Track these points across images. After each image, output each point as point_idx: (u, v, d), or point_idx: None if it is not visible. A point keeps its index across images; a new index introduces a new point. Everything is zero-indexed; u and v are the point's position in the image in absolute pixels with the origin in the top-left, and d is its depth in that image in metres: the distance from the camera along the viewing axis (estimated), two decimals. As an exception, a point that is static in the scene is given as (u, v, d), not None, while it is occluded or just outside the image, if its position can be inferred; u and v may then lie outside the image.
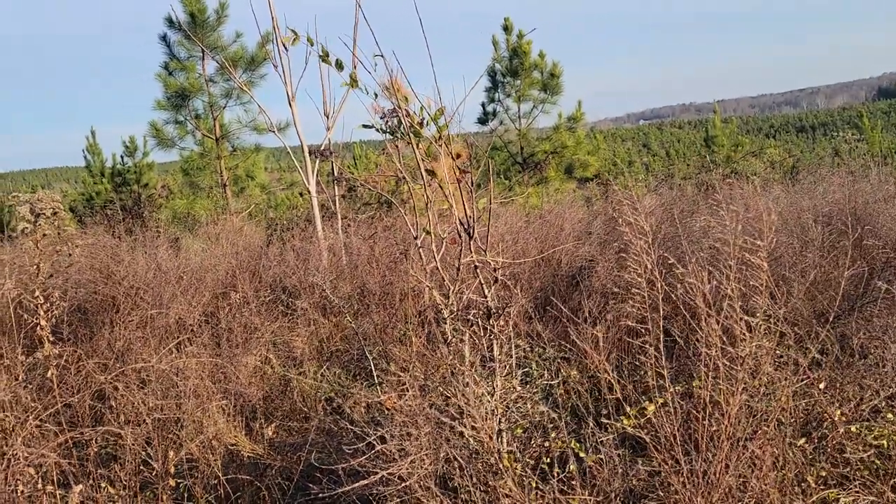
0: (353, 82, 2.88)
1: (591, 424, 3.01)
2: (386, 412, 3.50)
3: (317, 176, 8.30)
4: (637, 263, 2.31)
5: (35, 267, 2.96)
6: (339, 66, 2.82)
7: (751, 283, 2.31)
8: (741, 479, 2.16)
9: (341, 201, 9.56)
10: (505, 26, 14.58)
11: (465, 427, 2.95)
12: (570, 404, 3.63)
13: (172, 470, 3.19)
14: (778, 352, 2.62)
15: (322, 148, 7.65)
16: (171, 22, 11.22)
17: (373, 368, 4.67)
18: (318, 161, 8.48)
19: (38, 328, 2.89)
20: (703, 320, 2.21)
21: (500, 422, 2.99)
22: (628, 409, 2.98)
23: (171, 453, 3.17)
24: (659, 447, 2.28)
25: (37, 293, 2.81)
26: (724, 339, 2.25)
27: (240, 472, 3.65)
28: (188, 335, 4.87)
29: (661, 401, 2.98)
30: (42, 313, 2.86)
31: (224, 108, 11.89)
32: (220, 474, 3.44)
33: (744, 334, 2.18)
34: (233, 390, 3.91)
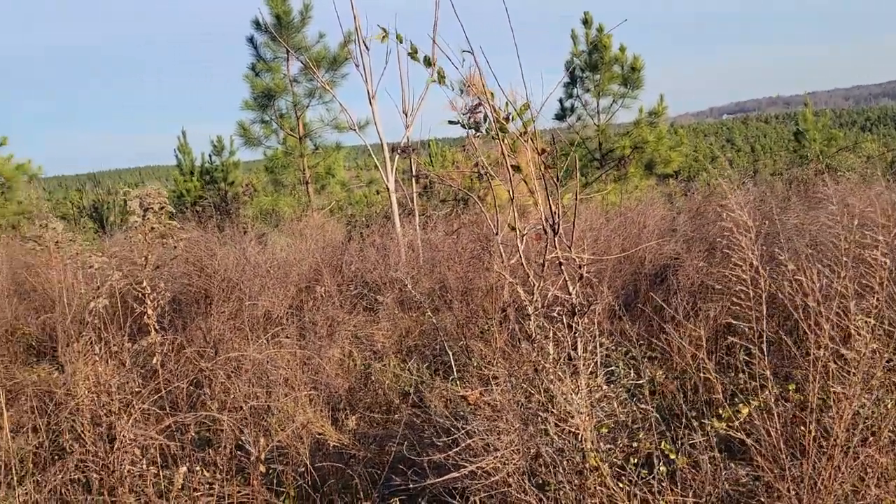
0: (441, 78, 2.90)
1: (681, 425, 2.93)
2: (468, 407, 3.52)
3: (395, 173, 8.42)
4: (742, 260, 2.22)
5: (143, 259, 3.14)
6: (428, 62, 2.84)
7: (863, 281, 2.19)
8: (853, 487, 2.05)
9: (418, 199, 9.67)
10: (584, 20, 14.35)
11: (550, 424, 2.93)
12: (655, 404, 3.54)
13: (263, 456, 3.31)
14: (886, 355, 2.47)
15: (403, 146, 7.74)
16: (257, 24, 11.63)
17: (452, 363, 4.70)
18: (396, 158, 8.60)
19: (146, 317, 3.06)
20: (813, 320, 2.11)
21: (585, 420, 2.95)
22: (721, 410, 2.88)
23: (263, 440, 3.29)
24: (762, 451, 2.19)
25: (144, 284, 2.97)
26: (837, 340, 2.14)
27: (326, 461, 3.75)
28: (276, 327, 5.04)
29: (756, 403, 2.87)
30: (149, 303, 3.02)
31: (307, 107, 12.23)
32: (308, 462, 3.54)
33: (858, 335, 2.06)
34: (321, 381, 4.02)
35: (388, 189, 8.46)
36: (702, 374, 2.88)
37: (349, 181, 14.82)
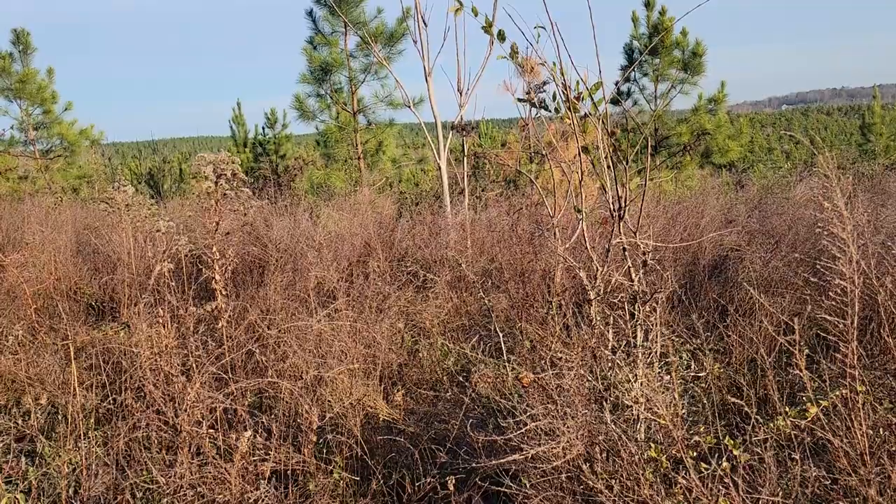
0: (514, 54, 2.83)
1: (741, 420, 2.85)
2: (522, 389, 3.49)
3: (447, 152, 8.38)
4: (841, 253, 2.12)
5: (214, 224, 3.19)
6: (502, 36, 2.78)
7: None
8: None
9: (469, 179, 9.60)
10: (646, 2, 13.97)
11: (606, 412, 2.88)
12: (715, 398, 3.46)
13: (315, 426, 3.35)
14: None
15: (462, 124, 7.68)
16: (317, -3, 11.67)
17: (502, 345, 4.67)
18: (450, 136, 8.54)
19: (213, 282, 3.11)
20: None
21: (644, 410, 2.90)
22: (786, 408, 2.79)
23: (316, 409, 3.32)
24: (844, 452, 2.10)
25: (214, 249, 3.02)
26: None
27: (376, 434, 3.77)
28: (328, 300, 5.08)
29: (826, 403, 2.77)
30: (217, 268, 3.07)
31: (362, 82, 12.25)
32: (359, 434, 3.57)
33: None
34: (378, 356, 4.04)
35: (439, 168, 8.43)
36: (769, 369, 2.79)
37: (399, 158, 14.83)
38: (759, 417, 2.82)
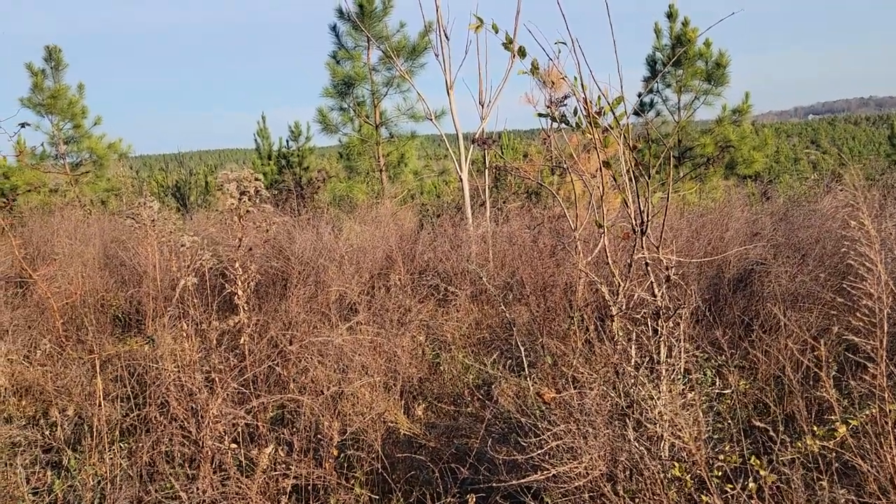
0: (535, 70, 2.83)
1: (767, 439, 2.79)
2: (543, 405, 3.46)
3: (468, 164, 8.40)
4: (869, 273, 2.08)
5: (238, 240, 3.22)
6: (522, 53, 2.79)
7: None
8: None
9: (490, 191, 9.59)
10: (669, 13, 13.91)
11: (629, 430, 2.85)
12: (740, 415, 3.40)
13: (336, 440, 3.35)
14: None
15: (483, 137, 7.69)
16: (340, 13, 11.80)
17: (524, 359, 4.64)
18: (472, 149, 8.57)
19: (236, 297, 3.15)
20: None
21: (667, 428, 2.86)
22: (814, 427, 2.73)
23: (337, 423, 3.33)
24: (874, 476, 2.05)
25: (237, 264, 3.05)
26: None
27: (396, 448, 3.76)
28: (349, 313, 5.09)
29: (854, 422, 2.71)
30: (240, 283, 3.11)
31: (384, 96, 12.35)
32: (380, 449, 3.56)
33: None
34: (398, 370, 4.04)
35: (460, 179, 8.44)
36: (794, 387, 2.73)
37: (421, 170, 14.89)
38: (785, 437, 2.77)
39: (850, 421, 2.70)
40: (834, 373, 2.99)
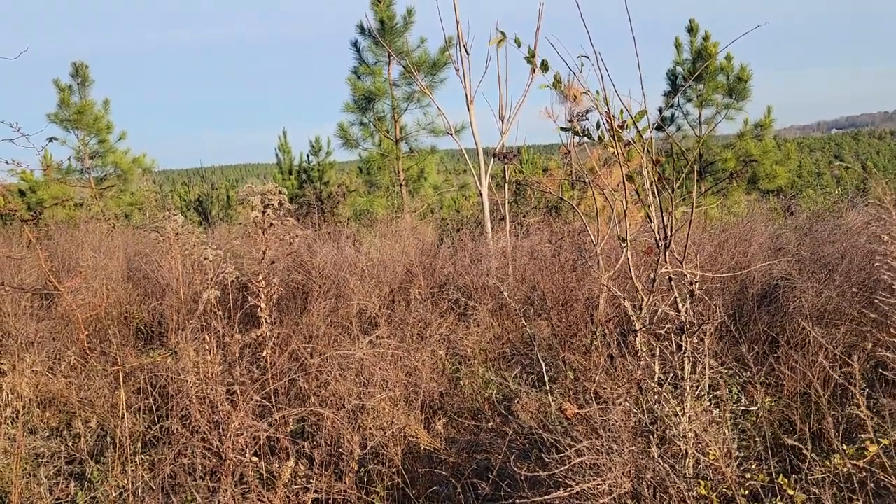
0: (557, 84, 2.83)
1: (795, 457, 2.74)
2: (565, 421, 3.42)
3: (488, 178, 8.41)
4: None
5: (261, 253, 3.25)
6: (545, 67, 2.79)
7: None
8: None
9: (510, 205, 9.59)
10: (689, 28, 13.89)
11: (653, 447, 2.80)
12: (766, 433, 3.34)
13: (357, 454, 3.34)
14: None
15: (503, 151, 7.70)
16: (361, 29, 11.93)
17: (545, 375, 4.61)
18: (491, 163, 8.58)
19: (259, 310, 3.17)
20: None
21: (692, 445, 2.81)
22: (844, 446, 2.67)
23: (357, 437, 3.32)
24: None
25: (260, 277, 3.08)
26: None
27: (416, 463, 3.74)
28: (370, 326, 5.09)
29: (885, 441, 2.65)
30: (263, 296, 3.13)
31: (405, 111, 12.44)
32: (400, 464, 3.54)
33: None
34: (419, 384, 4.03)
35: (480, 194, 8.45)
36: (822, 404, 2.67)
37: (441, 185, 14.93)
38: (814, 455, 2.71)
39: (881, 440, 2.63)
40: (865, 389, 2.93)
